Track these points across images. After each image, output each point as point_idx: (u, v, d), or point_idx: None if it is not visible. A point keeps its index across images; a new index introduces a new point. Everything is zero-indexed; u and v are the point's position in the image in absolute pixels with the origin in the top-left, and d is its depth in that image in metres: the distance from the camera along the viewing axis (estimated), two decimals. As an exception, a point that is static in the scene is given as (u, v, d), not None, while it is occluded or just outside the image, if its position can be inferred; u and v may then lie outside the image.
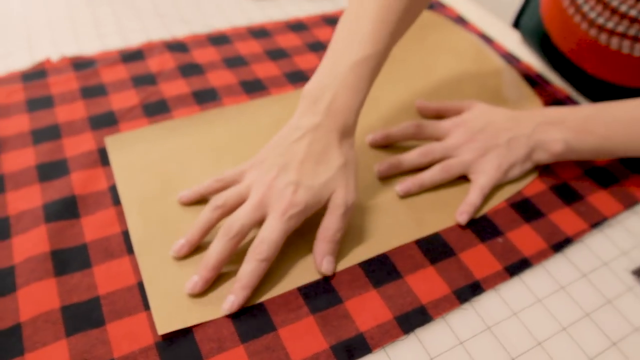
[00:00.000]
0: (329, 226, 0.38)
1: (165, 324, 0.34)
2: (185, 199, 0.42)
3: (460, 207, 0.44)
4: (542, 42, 0.63)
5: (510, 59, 0.64)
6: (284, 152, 0.39)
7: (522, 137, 0.46)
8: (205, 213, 0.38)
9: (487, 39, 0.67)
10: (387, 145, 0.49)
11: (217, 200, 0.38)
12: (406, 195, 0.45)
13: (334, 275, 0.39)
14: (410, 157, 0.46)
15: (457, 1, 0.76)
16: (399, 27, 0.42)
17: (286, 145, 0.40)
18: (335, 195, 0.39)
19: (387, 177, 0.46)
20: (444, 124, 0.49)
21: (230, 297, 0.35)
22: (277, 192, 0.38)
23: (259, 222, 0.38)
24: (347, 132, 0.40)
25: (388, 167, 0.46)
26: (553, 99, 0.58)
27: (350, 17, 0.42)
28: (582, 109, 0.47)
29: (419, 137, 0.49)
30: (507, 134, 0.46)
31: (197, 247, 0.39)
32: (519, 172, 0.47)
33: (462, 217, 0.43)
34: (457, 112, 0.51)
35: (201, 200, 0.42)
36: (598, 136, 0.45)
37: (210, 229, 0.38)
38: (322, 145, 0.39)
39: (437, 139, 0.48)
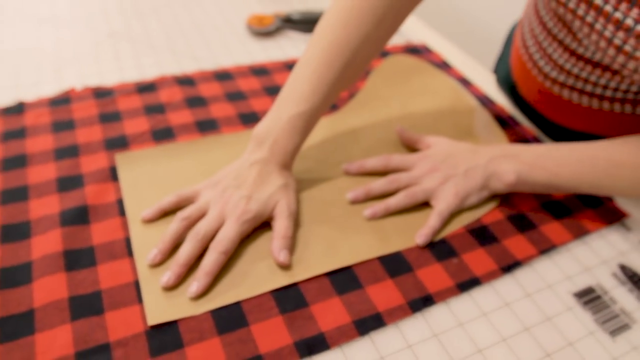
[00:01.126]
0: (279, 226, 0.47)
1: (155, 316, 0.40)
2: (147, 217, 0.48)
3: (420, 230, 0.50)
4: (511, 90, 0.70)
5: (486, 101, 0.70)
6: (238, 177, 0.49)
7: (479, 168, 0.52)
8: (172, 225, 0.46)
9: (467, 83, 0.74)
10: (361, 174, 0.56)
11: (182, 214, 0.46)
12: (373, 218, 0.51)
13: (303, 282, 0.44)
14: (379, 184, 0.52)
15: (443, 47, 0.83)
16: (336, 85, 0.51)
17: (239, 172, 0.49)
18: (279, 204, 0.48)
19: (359, 202, 0.52)
20: (410, 157, 0.55)
21: (195, 283, 0.42)
22: (233, 204, 0.46)
23: (217, 229, 0.46)
24: (286, 166, 0.51)
25: (359, 194, 0.52)
26: (521, 139, 0.64)
27: (295, 72, 0.52)
28: (536, 147, 0.53)
29: (388, 169, 0.55)
30: (465, 165, 0.53)
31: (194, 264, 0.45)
32: (477, 200, 0.53)
33: (421, 239, 0.49)
34: (424, 146, 0.58)
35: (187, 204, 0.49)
36: (548, 172, 0.51)
37: (178, 239, 0.46)
38: (267, 172, 0.49)
39: (404, 170, 0.55)
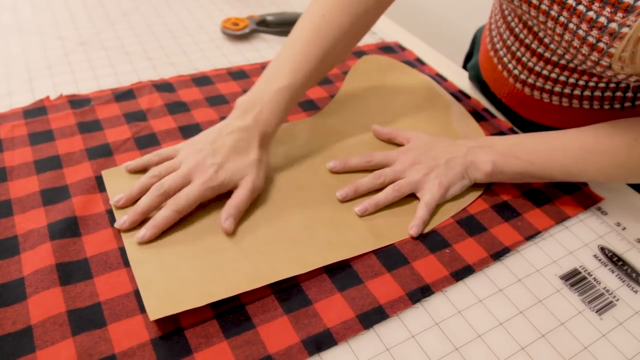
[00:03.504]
0: (236, 196, 0.48)
1: (156, 311, 0.39)
2: (130, 168, 0.52)
3: (411, 222, 0.51)
4: (483, 89, 0.72)
5: (461, 96, 0.72)
6: (215, 140, 0.50)
7: (458, 158, 0.55)
8: (142, 179, 0.49)
9: (442, 78, 0.76)
10: (345, 172, 0.57)
11: (153, 171, 0.49)
12: (364, 215, 0.51)
13: (304, 281, 0.45)
14: (366, 181, 0.54)
15: (416, 45, 0.85)
16: (318, 66, 0.55)
17: (218, 137, 0.51)
18: (246, 178, 0.49)
19: (348, 200, 0.53)
20: (392, 153, 0.57)
21: (142, 230, 0.45)
22: (202, 168, 0.48)
23: (181, 188, 0.47)
24: (266, 139, 0.52)
25: (348, 191, 0.53)
26: (498, 131, 0.66)
27: (281, 51, 0.56)
28: (509, 138, 0.56)
29: (371, 166, 0.56)
30: (445, 156, 0.55)
31: (190, 254, 0.45)
32: (459, 189, 0.55)
33: (413, 230, 0.50)
34: (403, 140, 0.60)
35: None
36: (522, 160, 0.54)
37: (144, 191, 0.48)
38: (245, 143, 0.50)
39: (387, 165, 0.56)
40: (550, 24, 0.51)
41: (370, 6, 0.56)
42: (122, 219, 0.46)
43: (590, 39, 0.47)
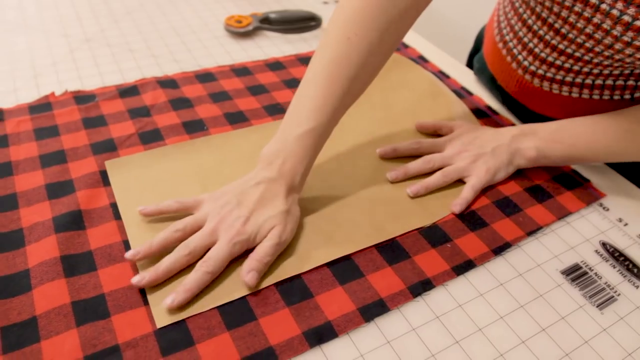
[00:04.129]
0: (261, 249, 0.45)
1: (163, 318, 0.40)
2: (145, 213, 0.47)
3: (455, 200, 0.54)
4: (489, 82, 0.72)
5: (463, 93, 0.72)
6: (241, 193, 0.47)
7: (503, 146, 0.57)
8: (166, 232, 0.44)
9: (444, 75, 0.76)
10: (394, 157, 0.59)
11: (178, 225, 0.45)
12: (416, 196, 0.54)
13: (306, 274, 0.45)
14: (416, 164, 0.57)
15: (419, 43, 0.85)
16: (344, 100, 0.49)
17: (244, 189, 0.47)
18: (274, 229, 0.46)
19: (398, 182, 0.56)
20: (440, 140, 0.60)
21: (172, 296, 0.41)
22: (229, 223, 0.45)
23: (210, 247, 0.44)
24: (293, 189, 0.48)
25: (398, 174, 0.56)
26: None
27: (300, 90, 0.49)
28: (551, 124, 0.58)
29: (419, 152, 0.59)
30: (491, 144, 0.58)
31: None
32: (504, 175, 0.57)
33: (456, 207, 0.53)
34: (448, 130, 0.62)
35: (185, 216, 0.48)
36: (565, 144, 0.56)
37: (167, 247, 0.44)
38: (272, 194, 0.47)
39: (433, 152, 0.59)
40: (578, 7, 0.51)
41: (406, 6, 0.48)
42: (141, 275, 0.42)
43: (626, 18, 0.47)
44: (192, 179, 0.53)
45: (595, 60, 0.55)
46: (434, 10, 1.68)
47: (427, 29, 1.18)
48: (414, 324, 0.43)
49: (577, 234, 0.53)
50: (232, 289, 0.43)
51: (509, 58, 0.66)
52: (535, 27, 0.60)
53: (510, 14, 0.65)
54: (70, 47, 0.72)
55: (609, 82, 0.58)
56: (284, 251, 0.47)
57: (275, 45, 0.79)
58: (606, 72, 0.57)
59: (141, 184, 0.52)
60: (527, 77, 0.64)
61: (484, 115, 0.69)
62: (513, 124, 0.67)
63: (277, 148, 0.48)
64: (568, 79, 0.60)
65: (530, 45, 0.62)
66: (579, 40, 0.54)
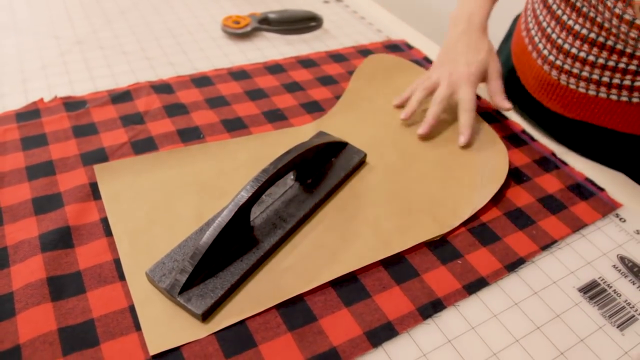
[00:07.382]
0: (493, 86, 0.61)
1: (157, 344, 0.37)
2: (405, 116, 0.62)
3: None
4: (508, 76, 0.70)
5: (496, 116, 0.69)
6: (449, 52, 0.62)
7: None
8: (417, 94, 0.61)
9: (450, 79, 0.73)
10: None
11: (423, 85, 0.62)
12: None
13: (309, 294, 0.42)
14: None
15: (423, 43, 0.82)
16: None
17: (449, 49, 0.62)
18: (491, 65, 0.61)
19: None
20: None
21: (424, 126, 0.59)
22: (457, 74, 0.60)
23: (451, 97, 0.60)
24: (484, 29, 0.63)
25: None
26: (510, 132, 0.64)
27: None
28: None
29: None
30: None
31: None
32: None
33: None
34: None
35: (180, 229, 0.46)
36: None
37: (419, 102, 0.61)
38: (473, 40, 0.61)
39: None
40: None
41: None
42: (405, 113, 0.61)
43: None
44: (188, 189, 0.50)
45: (619, 47, 0.53)
46: (439, 10, 1.65)
47: (430, 27, 1.15)
48: (425, 349, 0.40)
49: (594, 248, 0.51)
50: (229, 313, 0.40)
51: (530, 47, 0.65)
52: (559, 12, 0.58)
53: (537, 3, 0.64)
54: (60, 49, 0.69)
55: (627, 81, 0.55)
56: (285, 270, 0.44)
57: (274, 47, 0.76)
58: (622, 65, 0.54)
59: (133, 194, 0.49)
60: (546, 67, 0.62)
61: (492, 118, 0.66)
62: (523, 130, 0.64)
63: (461, 7, 0.64)
64: (585, 73, 0.57)
65: (549, 30, 0.60)
66: (606, 25, 0.52)
